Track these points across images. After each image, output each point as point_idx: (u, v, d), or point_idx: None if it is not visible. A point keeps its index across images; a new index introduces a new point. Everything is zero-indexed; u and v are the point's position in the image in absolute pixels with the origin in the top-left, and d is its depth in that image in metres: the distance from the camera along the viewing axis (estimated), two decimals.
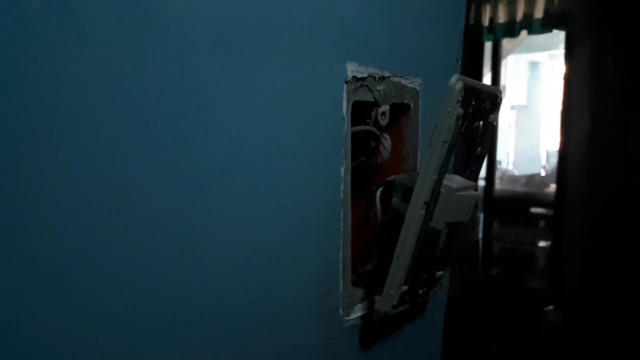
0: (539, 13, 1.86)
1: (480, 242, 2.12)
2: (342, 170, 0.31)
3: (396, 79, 0.34)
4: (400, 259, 0.31)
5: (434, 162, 0.29)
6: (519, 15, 1.93)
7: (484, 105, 0.31)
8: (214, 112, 0.24)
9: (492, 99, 0.32)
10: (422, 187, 0.29)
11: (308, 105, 0.29)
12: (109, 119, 0.20)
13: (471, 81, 0.29)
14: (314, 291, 0.31)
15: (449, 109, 0.28)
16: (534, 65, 4.67)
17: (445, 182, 0.30)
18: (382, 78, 0.33)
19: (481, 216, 2.09)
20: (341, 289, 0.32)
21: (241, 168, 0.26)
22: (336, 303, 0.32)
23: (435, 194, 0.30)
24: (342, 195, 0.31)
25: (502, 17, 1.93)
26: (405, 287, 0.32)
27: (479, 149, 0.33)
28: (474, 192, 0.32)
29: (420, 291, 0.36)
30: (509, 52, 2.60)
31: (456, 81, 0.28)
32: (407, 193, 0.32)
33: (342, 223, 0.31)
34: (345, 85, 0.30)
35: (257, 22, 0.25)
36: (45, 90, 0.18)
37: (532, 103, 4.86)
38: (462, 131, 0.30)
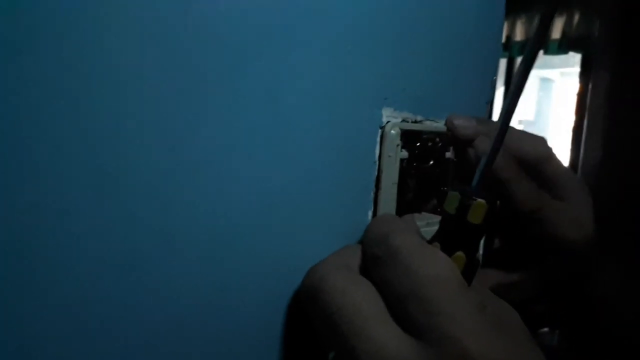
0: (556, 34, 1.86)
1: (481, 259, 2.11)
2: (370, 214, 0.31)
3: (428, 123, 0.34)
4: None
5: (389, 204, 0.31)
6: None
7: (431, 144, 0.33)
8: (247, 156, 0.24)
9: (442, 136, 0.34)
10: None
11: (341, 150, 0.28)
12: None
13: (411, 125, 0.31)
14: None
15: (389, 154, 0.30)
16: (544, 81, 4.66)
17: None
18: (415, 122, 0.32)
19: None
20: None
21: (273, 213, 0.26)
22: None
23: None
24: None
25: (519, 35, 1.94)
26: None
27: (443, 186, 0.35)
28: None
29: None
30: None
31: (392, 127, 0.30)
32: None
33: None
34: (379, 130, 0.30)
35: (298, 67, 0.25)
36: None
37: (539, 119, 4.84)
38: (412, 172, 0.32)
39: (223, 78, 0.22)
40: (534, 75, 4.19)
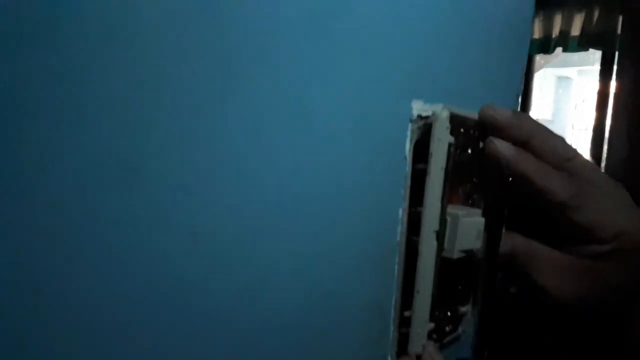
0: (575, 31, 1.83)
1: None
2: (401, 212, 0.30)
3: None
4: (421, 293, 0.30)
5: (436, 190, 0.29)
6: (555, 32, 1.90)
7: (472, 132, 0.32)
8: (276, 152, 0.23)
9: (478, 126, 0.32)
10: (430, 216, 0.29)
11: (371, 144, 0.27)
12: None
13: (457, 110, 0.30)
14: (364, 337, 0.29)
15: (440, 137, 0.29)
16: (561, 79, 4.59)
17: (449, 210, 0.30)
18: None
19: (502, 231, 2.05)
20: (391, 335, 0.31)
21: (303, 208, 0.24)
22: (384, 350, 0.31)
23: (442, 222, 0.30)
24: (398, 238, 0.30)
25: (537, 33, 1.91)
26: (431, 325, 0.32)
27: (475, 178, 0.34)
28: (480, 218, 0.32)
29: (447, 328, 0.34)
30: (541, 67, 2.56)
31: (442, 109, 0.29)
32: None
33: (396, 267, 0.30)
34: (409, 124, 0.29)
35: (326, 61, 0.24)
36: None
37: (557, 117, 4.77)
38: (455, 159, 0.30)
39: (250, 72, 0.21)
40: (551, 73, 4.13)
